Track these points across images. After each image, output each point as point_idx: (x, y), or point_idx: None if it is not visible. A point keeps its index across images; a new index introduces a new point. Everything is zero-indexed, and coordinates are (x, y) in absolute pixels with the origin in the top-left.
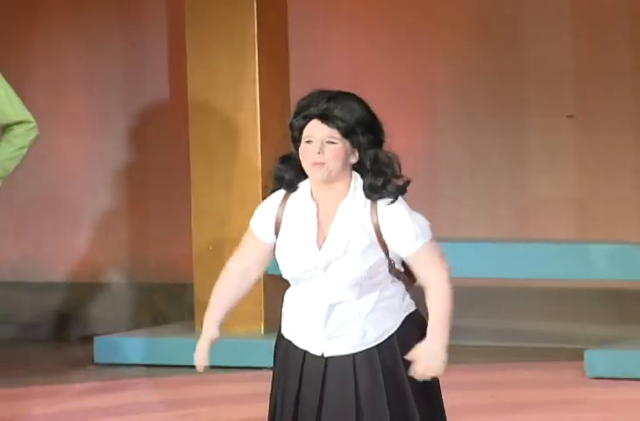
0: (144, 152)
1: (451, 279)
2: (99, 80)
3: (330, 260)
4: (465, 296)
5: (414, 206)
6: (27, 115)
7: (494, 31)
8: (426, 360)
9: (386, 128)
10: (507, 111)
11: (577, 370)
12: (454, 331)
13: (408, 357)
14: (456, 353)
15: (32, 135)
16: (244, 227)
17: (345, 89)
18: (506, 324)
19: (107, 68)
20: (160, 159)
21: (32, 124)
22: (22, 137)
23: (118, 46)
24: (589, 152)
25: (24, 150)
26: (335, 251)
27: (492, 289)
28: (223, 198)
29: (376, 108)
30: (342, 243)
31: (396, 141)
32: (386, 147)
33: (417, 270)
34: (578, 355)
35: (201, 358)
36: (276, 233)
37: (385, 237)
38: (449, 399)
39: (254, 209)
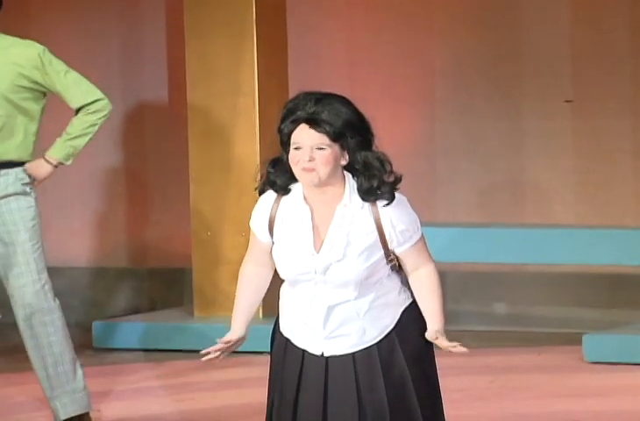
0: (142, 137)
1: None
2: (96, 66)
3: (330, 263)
4: (462, 281)
5: (412, 191)
6: (98, 93)
7: (493, 15)
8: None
9: (374, 128)
10: (504, 96)
11: (575, 355)
12: (452, 316)
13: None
14: (453, 338)
15: (104, 112)
16: (242, 213)
17: (341, 78)
18: (504, 309)
19: (104, 54)
20: (158, 144)
21: (104, 102)
22: (93, 114)
23: (116, 32)
24: (587, 136)
25: (95, 127)
26: (334, 254)
27: (489, 274)
28: (221, 184)
29: (374, 94)
30: (340, 246)
31: (394, 126)
32: (375, 147)
33: (407, 262)
34: (576, 340)
35: (214, 346)
36: (270, 233)
37: (387, 235)
38: (448, 384)
39: (253, 195)
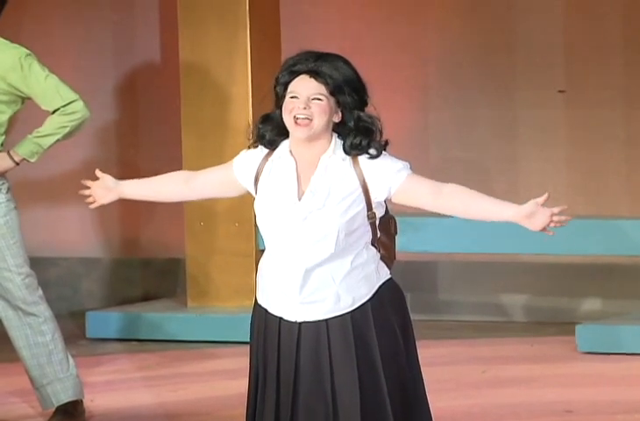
0: (134, 127)
1: None
2: (88, 54)
3: (310, 212)
4: (455, 271)
5: None
6: (73, 96)
7: (485, 4)
8: (543, 213)
9: (371, 95)
10: (497, 85)
11: (568, 345)
12: (445, 306)
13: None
14: (446, 328)
15: (77, 115)
16: (235, 203)
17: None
18: (497, 299)
19: (96, 42)
20: (150, 134)
21: (79, 104)
22: (66, 116)
23: (108, 20)
24: (580, 126)
25: (66, 129)
26: (315, 202)
27: (483, 264)
28: None
29: (367, 84)
30: (322, 194)
31: (387, 115)
32: (368, 111)
33: (421, 189)
34: (569, 330)
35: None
36: (255, 184)
37: (369, 184)
38: (440, 374)
39: None
